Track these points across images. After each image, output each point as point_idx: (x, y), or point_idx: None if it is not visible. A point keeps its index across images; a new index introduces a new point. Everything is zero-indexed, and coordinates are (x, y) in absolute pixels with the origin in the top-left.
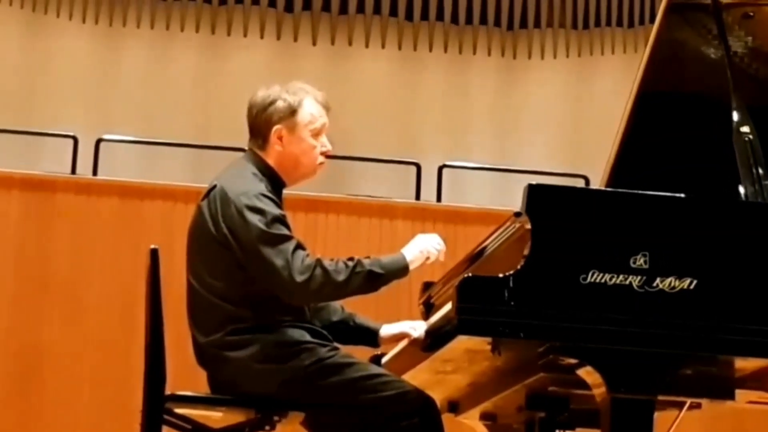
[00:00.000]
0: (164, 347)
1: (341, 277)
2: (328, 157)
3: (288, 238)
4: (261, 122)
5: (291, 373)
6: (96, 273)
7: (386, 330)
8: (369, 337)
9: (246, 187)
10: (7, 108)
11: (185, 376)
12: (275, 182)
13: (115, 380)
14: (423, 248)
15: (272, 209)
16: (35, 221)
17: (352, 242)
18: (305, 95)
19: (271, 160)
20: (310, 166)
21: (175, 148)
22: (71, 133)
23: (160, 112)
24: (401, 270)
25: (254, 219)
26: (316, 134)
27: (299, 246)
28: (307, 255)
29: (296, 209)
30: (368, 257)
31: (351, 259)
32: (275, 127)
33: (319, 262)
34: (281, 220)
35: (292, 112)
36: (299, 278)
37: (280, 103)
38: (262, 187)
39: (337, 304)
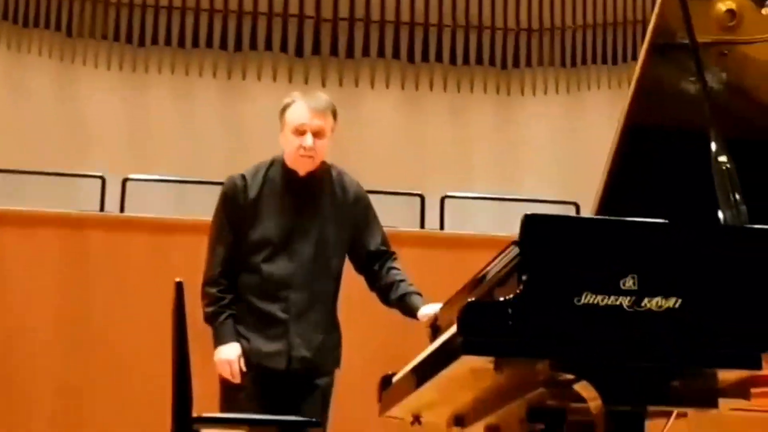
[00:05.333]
0: (190, 373)
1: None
2: None
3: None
4: None
5: None
6: (128, 305)
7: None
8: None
9: None
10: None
11: (209, 398)
12: (285, 168)
13: (149, 404)
14: (223, 359)
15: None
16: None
17: None
18: (299, 100)
19: None
20: (291, 157)
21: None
22: (100, 174)
23: (186, 153)
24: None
25: None
26: (297, 133)
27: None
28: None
29: None
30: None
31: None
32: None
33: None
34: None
35: (282, 111)
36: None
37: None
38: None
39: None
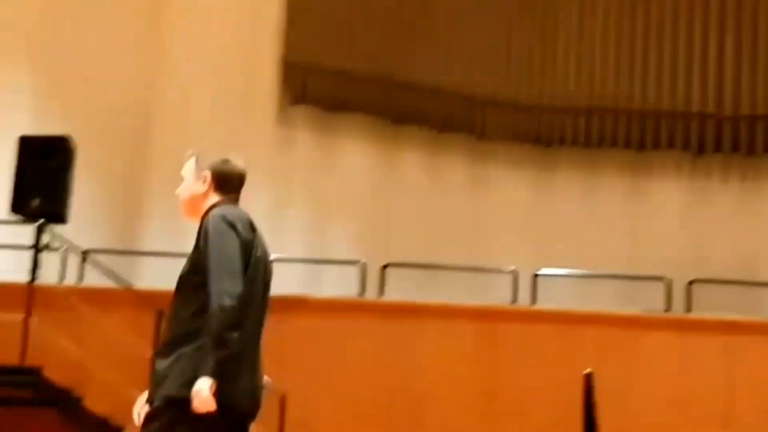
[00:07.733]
0: None
1: None
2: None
3: None
4: None
5: None
6: (537, 392)
7: None
8: None
9: None
10: (459, 247)
11: None
12: None
13: None
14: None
15: None
16: (484, 346)
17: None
18: None
19: None
20: None
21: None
22: (512, 268)
23: (592, 247)
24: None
25: None
26: None
27: None
28: None
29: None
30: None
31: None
32: None
33: None
34: None
35: None
36: None
37: None
38: None
39: None
